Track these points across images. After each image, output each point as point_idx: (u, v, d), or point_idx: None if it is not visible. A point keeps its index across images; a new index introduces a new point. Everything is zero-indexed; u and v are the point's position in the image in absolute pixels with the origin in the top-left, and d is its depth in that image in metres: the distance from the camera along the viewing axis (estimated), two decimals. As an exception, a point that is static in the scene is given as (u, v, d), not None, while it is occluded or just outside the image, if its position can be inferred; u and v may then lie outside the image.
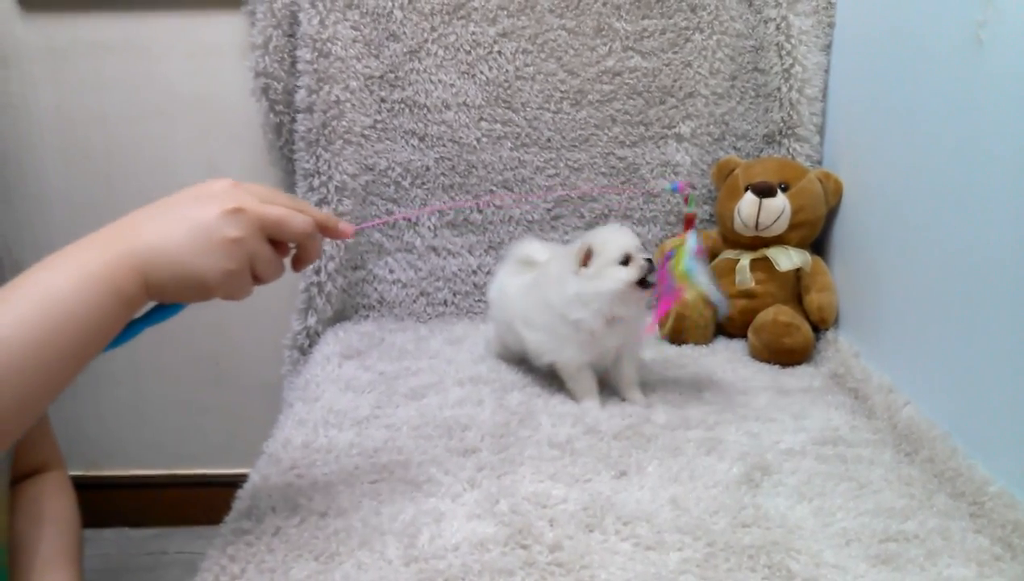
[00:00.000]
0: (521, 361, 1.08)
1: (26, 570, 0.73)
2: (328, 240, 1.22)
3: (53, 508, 0.80)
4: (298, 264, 0.64)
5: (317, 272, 1.26)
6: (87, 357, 0.54)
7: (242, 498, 0.77)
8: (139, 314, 0.58)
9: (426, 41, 1.25)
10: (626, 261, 0.90)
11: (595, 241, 0.92)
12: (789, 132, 1.26)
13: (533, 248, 1.06)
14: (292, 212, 0.60)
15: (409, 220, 1.30)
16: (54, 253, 0.54)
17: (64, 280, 0.53)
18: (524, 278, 1.02)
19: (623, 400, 0.98)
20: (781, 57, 1.24)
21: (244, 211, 0.57)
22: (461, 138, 1.28)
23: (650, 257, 0.91)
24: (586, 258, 0.91)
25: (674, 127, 1.29)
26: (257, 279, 0.60)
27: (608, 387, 1.00)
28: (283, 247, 0.62)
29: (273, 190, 0.61)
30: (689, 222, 0.90)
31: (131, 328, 0.58)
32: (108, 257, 0.54)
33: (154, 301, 0.58)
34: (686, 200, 0.90)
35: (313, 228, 0.61)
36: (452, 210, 1.30)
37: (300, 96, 1.23)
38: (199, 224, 0.56)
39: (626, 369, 0.98)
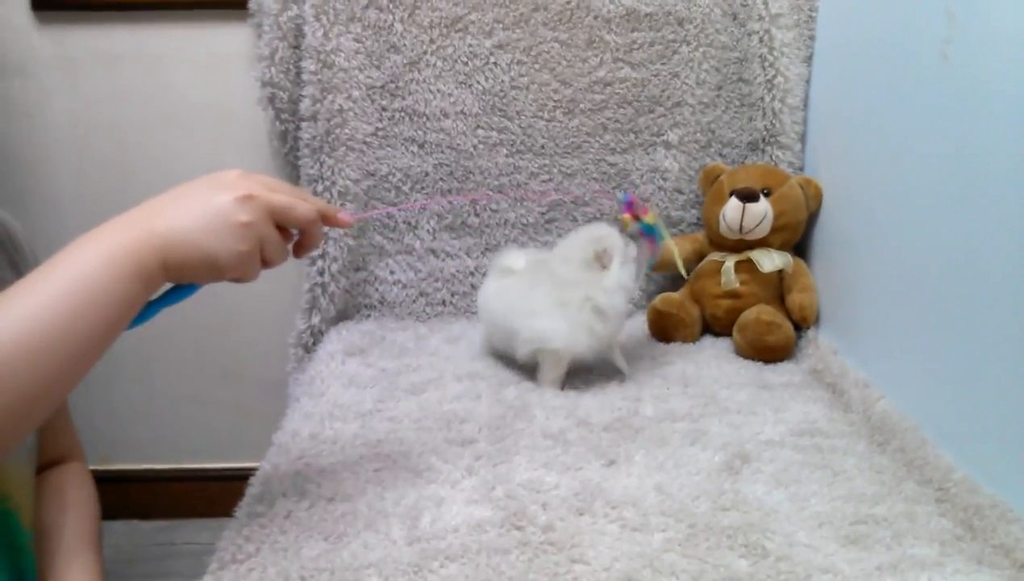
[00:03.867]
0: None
1: (51, 554, 0.75)
2: (330, 242, 1.29)
3: (76, 496, 0.82)
4: (300, 250, 0.68)
5: (321, 273, 1.29)
6: (110, 336, 0.57)
7: (255, 484, 0.80)
8: (155, 295, 0.61)
9: (425, 53, 1.28)
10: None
11: (610, 242, 1.01)
12: (772, 140, 1.29)
13: (512, 258, 1.12)
14: (297, 200, 0.64)
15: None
16: (80, 236, 0.57)
17: (88, 262, 0.56)
18: (504, 282, 1.09)
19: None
20: (764, 68, 1.27)
21: (254, 198, 0.60)
22: (459, 145, 1.31)
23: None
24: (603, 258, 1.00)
25: (662, 135, 1.32)
26: (265, 262, 0.63)
27: (600, 380, 1.04)
28: (287, 234, 0.65)
29: (278, 181, 0.65)
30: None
31: (148, 309, 0.61)
32: (130, 239, 0.57)
33: (171, 282, 0.61)
34: (639, 212, 1.00)
35: (316, 215, 0.65)
36: (450, 213, 1.34)
37: (304, 105, 1.26)
38: (214, 209, 0.59)
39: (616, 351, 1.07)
